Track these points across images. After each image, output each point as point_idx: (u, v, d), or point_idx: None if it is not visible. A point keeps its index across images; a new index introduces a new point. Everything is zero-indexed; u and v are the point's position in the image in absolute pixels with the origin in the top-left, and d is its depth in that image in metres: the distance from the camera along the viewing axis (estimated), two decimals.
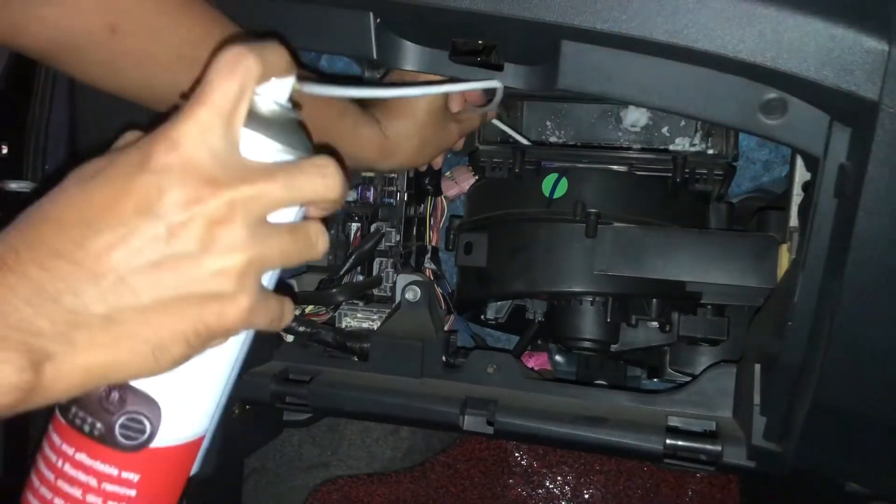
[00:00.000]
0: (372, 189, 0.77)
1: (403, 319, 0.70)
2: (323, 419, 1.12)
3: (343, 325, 0.74)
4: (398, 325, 0.70)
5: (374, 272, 0.77)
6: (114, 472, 0.35)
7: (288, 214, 0.35)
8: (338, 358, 0.72)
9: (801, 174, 0.55)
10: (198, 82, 0.33)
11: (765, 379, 0.57)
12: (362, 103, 0.62)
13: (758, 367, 0.58)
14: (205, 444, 0.39)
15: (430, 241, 0.83)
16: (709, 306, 0.68)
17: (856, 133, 0.46)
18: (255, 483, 1.17)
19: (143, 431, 0.35)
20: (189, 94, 0.33)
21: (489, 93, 0.61)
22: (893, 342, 0.47)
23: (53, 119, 0.70)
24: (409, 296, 0.70)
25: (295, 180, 0.34)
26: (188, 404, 0.37)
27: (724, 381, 0.63)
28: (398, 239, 0.78)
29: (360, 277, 0.77)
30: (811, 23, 0.43)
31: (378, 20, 0.55)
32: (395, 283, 0.74)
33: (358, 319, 0.74)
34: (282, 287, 0.38)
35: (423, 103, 0.64)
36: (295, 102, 0.37)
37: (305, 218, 0.37)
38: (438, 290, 0.75)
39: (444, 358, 0.69)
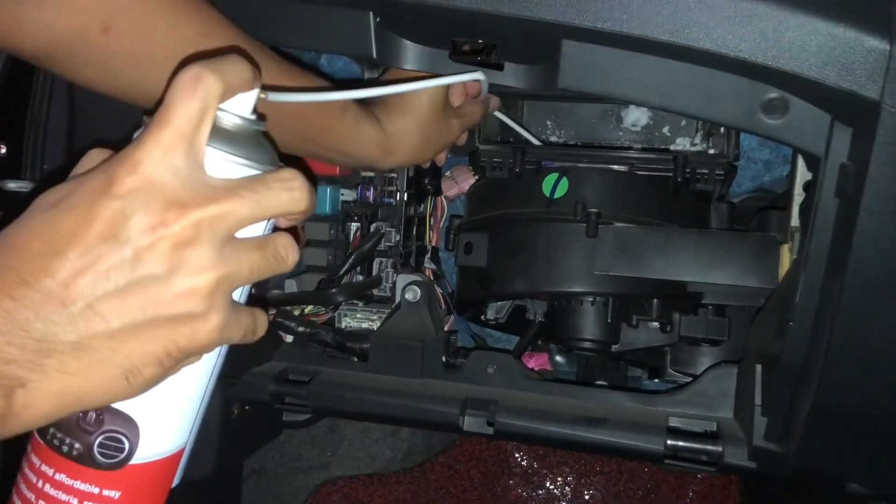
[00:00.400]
0: (372, 189, 0.77)
1: (403, 319, 0.70)
2: (322, 420, 1.12)
3: (343, 325, 0.74)
4: (398, 326, 0.70)
5: (374, 272, 0.77)
6: (94, 490, 0.35)
7: (256, 228, 0.36)
8: (337, 358, 0.72)
9: (803, 174, 0.55)
10: (159, 103, 0.33)
11: (766, 379, 0.57)
12: (361, 101, 0.62)
13: (759, 367, 0.58)
14: (185, 455, 0.39)
15: (430, 241, 0.83)
16: (710, 306, 0.68)
17: (857, 133, 0.46)
18: (255, 483, 1.17)
19: (121, 450, 0.35)
20: (152, 114, 0.33)
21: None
22: (894, 342, 0.47)
23: (52, 119, 0.70)
24: (409, 296, 0.70)
25: (260, 196, 0.34)
26: (166, 420, 0.37)
27: (725, 382, 0.63)
28: (398, 239, 0.77)
29: (360, 277, 0.77)
30: (812, 22, 0.43)
31: (378, 19, 0.55)
32: (395, 283, 0.74)
33: (358, 319, 0.74)
34: (254, 299, 0.38)
35: (423, 99, 0.63)
36: (260, 114, 0.37)
37: (276, 228, 0.37)
38: (438, 290, 0.75)
39: (444, 358, 0.69)
